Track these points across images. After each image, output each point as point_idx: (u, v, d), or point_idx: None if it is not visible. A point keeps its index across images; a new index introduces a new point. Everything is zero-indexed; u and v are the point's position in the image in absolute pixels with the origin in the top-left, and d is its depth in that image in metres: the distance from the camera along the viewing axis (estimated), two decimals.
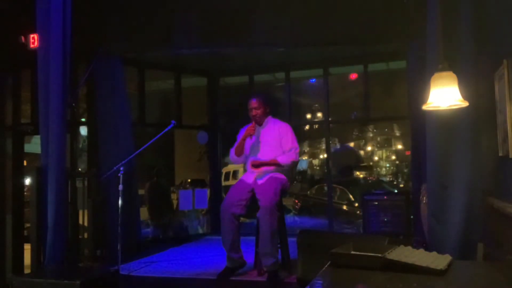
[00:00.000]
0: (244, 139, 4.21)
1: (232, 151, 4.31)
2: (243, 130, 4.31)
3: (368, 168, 23.26)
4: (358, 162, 23.56)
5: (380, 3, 5.00)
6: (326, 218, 6.58)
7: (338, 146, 23.59)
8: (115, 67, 5.43)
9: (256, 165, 4.14)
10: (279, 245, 4.13)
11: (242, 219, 4.23)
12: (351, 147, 25.93)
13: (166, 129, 4.54)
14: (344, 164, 18.84)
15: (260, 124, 4.25)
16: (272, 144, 4.17)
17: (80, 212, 5.14)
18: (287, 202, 10.97)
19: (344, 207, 10.29)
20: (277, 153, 4.15)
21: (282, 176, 4.14)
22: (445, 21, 3.17)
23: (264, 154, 4.16)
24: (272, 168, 4.13)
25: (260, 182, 4.06)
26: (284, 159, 4.11)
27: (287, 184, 4.22)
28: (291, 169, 4.34)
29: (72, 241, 4.88)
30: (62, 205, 4.13)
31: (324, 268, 1.67)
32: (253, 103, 4.21)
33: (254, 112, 4.20)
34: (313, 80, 8.49)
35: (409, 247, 1.84)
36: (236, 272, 4.08)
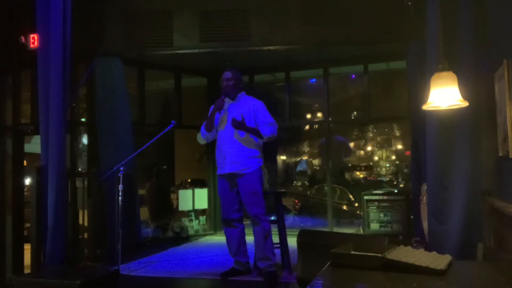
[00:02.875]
0: (213, 113, 4.13)
1: (202, 127, 4.24)
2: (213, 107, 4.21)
3: (368, 168, 23.16)
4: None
5: (380, 3, 5.00)
6: (326, 218, 6.58)
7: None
8: (115, 67, 5.43)
9: (237, 126, 3.92)
10: (278, 245, 4.14)
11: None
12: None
13: (166, 129, 4.54)
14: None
15: (232, 99, 4.18)
16: (245, 118, 3.99)
17: (80, 212, 5.14)
18: (287, 202, 10.94)
19: (344, 207, 10.27)
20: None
21: (256, 167, 4.02)
22: (445, 21, 3.17)
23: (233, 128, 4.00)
24: (242, 157, 4.00)
25: (240, 185, 4.01)
26: (266, 130, 3.99)
27: (262, 170, 4.11)
28: (261, 145, 4.15)
29: (72, 241, 4.88)
30: (62, 205, 4.13)
31: (324, 268, 1.67)
32: (226, 74, 4.17)
33: (225, 83, 4.13)
34: (313, 80, 8.46)
35: (409, 247, 1.84)
36: (241, 275, 4.10)
